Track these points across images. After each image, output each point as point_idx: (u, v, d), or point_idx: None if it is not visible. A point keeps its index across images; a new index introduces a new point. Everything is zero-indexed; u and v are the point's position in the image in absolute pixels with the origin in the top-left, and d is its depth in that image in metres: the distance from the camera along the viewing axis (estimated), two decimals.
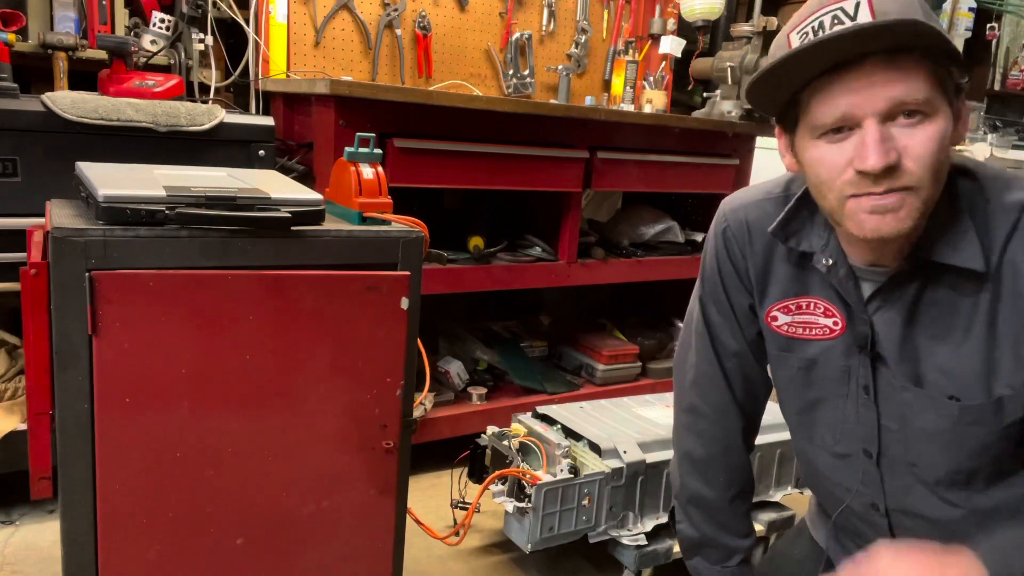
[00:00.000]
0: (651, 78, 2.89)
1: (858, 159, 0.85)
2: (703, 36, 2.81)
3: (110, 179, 1.06)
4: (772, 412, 1.91)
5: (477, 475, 1.75)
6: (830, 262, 0.99)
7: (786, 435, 1.85)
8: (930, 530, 1.00)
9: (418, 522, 1.39)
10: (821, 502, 1.22)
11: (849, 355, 1.02)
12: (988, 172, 0.95)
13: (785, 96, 0.91)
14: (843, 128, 0.87)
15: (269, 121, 1.86)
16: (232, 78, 2.24)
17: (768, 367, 1.17)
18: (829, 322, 1.04)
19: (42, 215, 1.14)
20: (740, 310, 1.14)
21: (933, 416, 0.96)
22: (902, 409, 0.99)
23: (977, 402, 0.93)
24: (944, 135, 0.86)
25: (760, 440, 1.78)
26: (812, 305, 1.05)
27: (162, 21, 1.97)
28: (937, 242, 0.92)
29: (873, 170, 0.84)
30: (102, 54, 1.86)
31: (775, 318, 1.09)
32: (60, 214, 1.04)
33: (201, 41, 2.04)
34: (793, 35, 0.87)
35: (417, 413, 1.28)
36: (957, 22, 3.55)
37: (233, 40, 2.25)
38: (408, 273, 1.13)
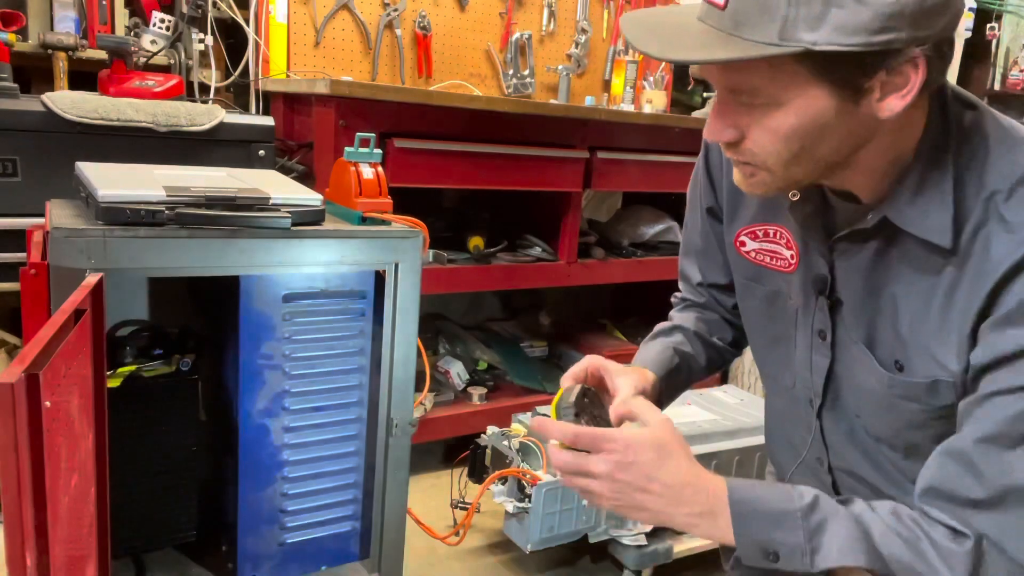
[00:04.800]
0: (651, 78, 2.89)
1: None
2: None
3: (110, 179, 1.06)
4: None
5: (477, 475, 1.75)
6: (796, 196, 0.91)
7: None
8: (871, 496, 0.95)
9: (418, 522, 1.39)
10: (778, 463, 1.17)
11: (806, 295, 0.96)
12: (996, 119, 0.81)
13: None
14: None
15: (269, 121, 1.86)
16: (232, 78, 2.24)
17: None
18: (788, 255, 0.97)
19: (42, 215, 1.14)
20: (700, 207, 1.12)
21: (871, 378, 0.90)
22: (851, 361, 0.93)
23: (911, 379, 0.86)
24: (801, 126, 0.74)
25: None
26: (777, 234, 0.98)
27: (162, 21, 1.97)
28: (905, 203, 0.81)
29: (708, 141, 0.81)
30: (102, 54, 1.86)
31: (743, 243, 1.03)
32: (60, 214, 1.04)
33: (201, 41, 2.04)
34: None
35: (417, 413, 1.28)
36: None
37: (233, 40, 2.25)
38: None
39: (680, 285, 1.25)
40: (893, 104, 0.73)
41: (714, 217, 1.11)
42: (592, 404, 0.94)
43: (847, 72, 0.71)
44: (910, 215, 0.81)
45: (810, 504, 0.82)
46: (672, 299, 1.26)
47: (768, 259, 1.00)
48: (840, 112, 0.74)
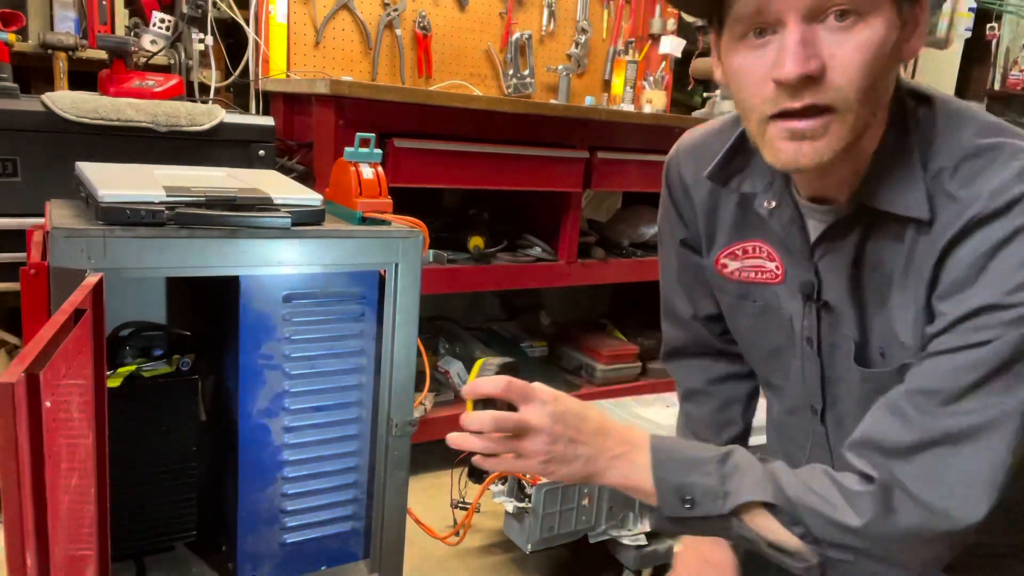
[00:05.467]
0: (651, 78, 2.89)
1: (776, 66, 0.74)
2: (703, 36, 2.81)
3: (110, 179, 1.06)
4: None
5: (477, 475, 1.75)
6: (772, 204, 0.91)
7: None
8: None
9: (418, 522, 1.39)
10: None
11: (795, 302, 0.96)
12: (946, 104, 0.84)
13: None
14: (766, 30, 0.76)
15: (269, 121, 1.86)
16: (232, 78, 2.24)
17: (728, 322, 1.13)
18: (772, 266, 0.97)
19: (42, 215, 1.14)
20: (673, 241, 1.12)
21: (854, 379, 0.91)
22: (839, 365, 0.93)
23: (882, 370, 0.87)
24: (883, 43, 0.74)
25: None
26: (757, 249, 0.98)
27: (162, 21, 1.97)
28: (881, 184, 0.82)
29: (789, 79, 0.73)
30: (102, 54, 1.86)
31: (725, 265, 1.03)
32: (60, 214, 1.04)
33: (201, 41, 2.04)
34: None
35: (417, 413, 1.28)
36: (957, 22, 3.55)
37: (233, 40, 2.25)
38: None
39: (667, 334, 1.22)
40: (915, 44, 0.78)
41: (688, 248, 1.11)
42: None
43: None
44: (884, 194, 0.82)
45: (726, 452, 0.87)
46: (677, 391, 1.25)
47: (754, 274, 1.00)
48: (895, 42, 0.76)
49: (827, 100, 0.75)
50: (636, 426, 0.90)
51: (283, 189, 1.17)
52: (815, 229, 0.90)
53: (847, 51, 0.73)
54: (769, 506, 0.82)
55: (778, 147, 0.78)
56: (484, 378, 0.88)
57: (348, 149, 1.24)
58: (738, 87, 0.81)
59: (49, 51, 1.84)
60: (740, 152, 0.94)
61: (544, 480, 1.60)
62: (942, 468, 0.76)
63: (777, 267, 0.96)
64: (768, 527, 0.83)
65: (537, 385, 0.88)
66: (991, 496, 0.74)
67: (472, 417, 0.86)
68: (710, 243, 1.05)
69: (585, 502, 1.65)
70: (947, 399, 0.76)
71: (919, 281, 0.81)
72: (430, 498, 2.03)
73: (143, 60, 1.95)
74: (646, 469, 0.86)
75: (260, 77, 2.27)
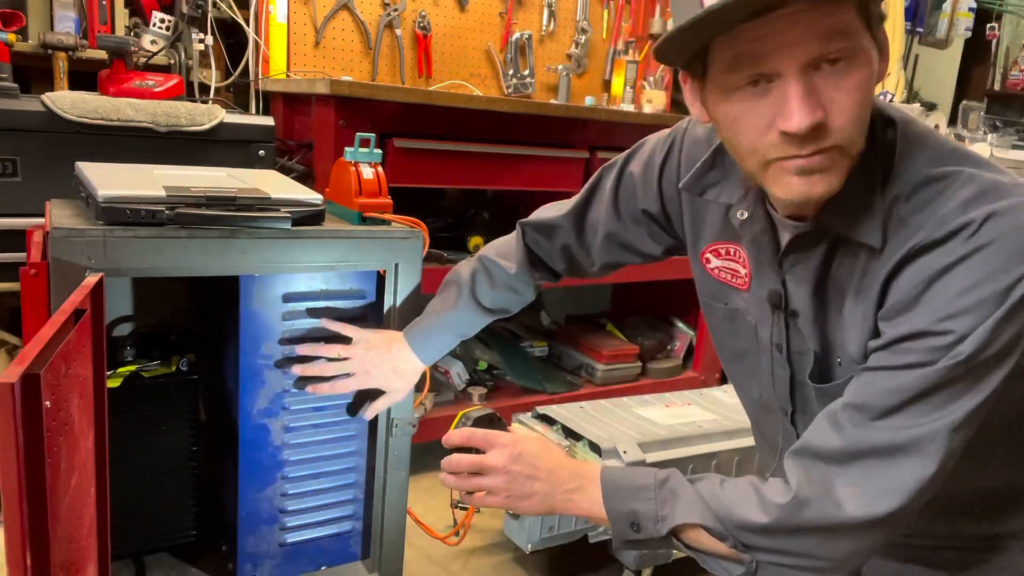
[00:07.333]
0: (651, 78, 2.89)
1: (781, 119, 0.75)
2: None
3: (110, 179, 1.06)
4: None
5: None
6: (745, 216, 0.94)
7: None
8: None
9: (418, 522, 1.39)
10: (762, 462, 1.20)
11: (761, 311, 0.99)
12: (906, 128, 0.86)
13: (698, 46, 0.79)
14: (761, 80, 0.77)
15: (269, 121, 1.86)
16: (232, 78, 2.24)
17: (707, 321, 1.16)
18: (744, 273, 1.00)
19: (42, 215, 1.14)
20: (634, 210, 1.14)
21: (814, 391, 0.96)
22: (806, 371, 0.97)
23: (837, 382, 0.91)
24: (871, 77, 0.77)
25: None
26: (736, 252, 1.01)
27: (162, 21, 1.97)
28: (843, 209, 0.84)
29: (800, 131, 0.74)
30: (102, 54, 1.86)
31: (708, 260, 1.06)
32: (60, 214, 1.04)
33: (201, 41, 2.04)
34: None
35: (417, 413, 1.29)
36: (957, 22, 3.55)
37: (233, 40, 2.25)
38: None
39: (534, 227, 1.25)
40: (883, 67, 0.80)
41: (651, 219, 1.13)
42: (492, 428, 1.13)
43: (877, 22, 0.78)
44: (843, 218, 0.85)
45: (663, 479, 0.95)
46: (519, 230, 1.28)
47: (729, 277, 1.04)
48: (875, 72, 0.79)
49: (832, 142, 0.77)
50: (585, 462, 1.03)
51: (283, 189, 1.17)
52: (785, 241, 0.93)
53: (843, 94, 0.76)
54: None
55: (788, 182, 0.80)
56: (455, 431, 1.09)
57: (348, 149, 1.24)
58: (735, 133, 0.82)
59: (49, 51, 1.84)
60: (714, 167, 0.99)
61: None
62: (866, 475, 0.82)
63: (746, 274, 1.00)
64: (703, 541, 0.92)
65: (499, 433, 1.05)
66: (899, 501, 0.81)
67: (445, 460, 1.08)
68: (696, 235, 1.07)
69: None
70: (878, 415, 0.82)
71: (869, 300, 0.85)
72: (430, 498, 2.03)
73: (143, 60, 1.95)
74: (599, 500, 0.97)
75: (260, 77, 2.27)
